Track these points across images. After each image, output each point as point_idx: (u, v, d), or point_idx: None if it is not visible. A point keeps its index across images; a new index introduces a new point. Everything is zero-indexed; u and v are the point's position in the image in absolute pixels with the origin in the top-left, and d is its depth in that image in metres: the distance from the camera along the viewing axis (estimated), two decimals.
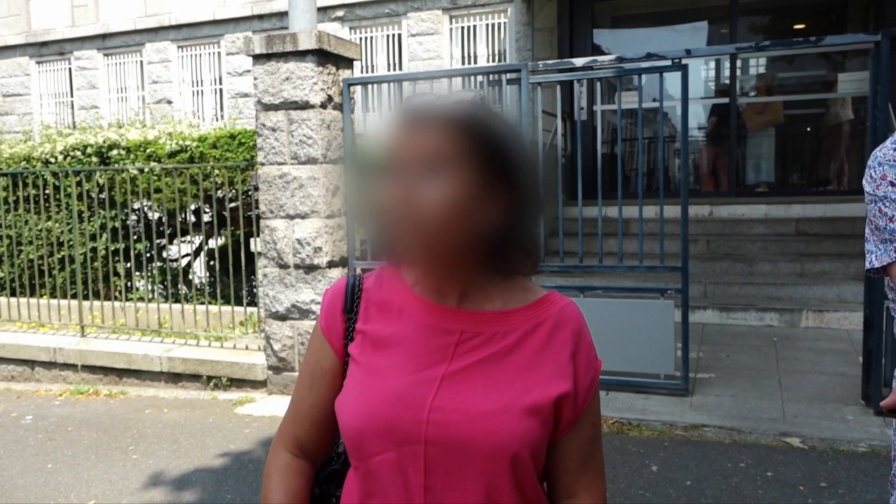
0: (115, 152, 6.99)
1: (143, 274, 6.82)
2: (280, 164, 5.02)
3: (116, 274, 6.83)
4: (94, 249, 6.74)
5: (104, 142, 7.06)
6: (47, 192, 6.88)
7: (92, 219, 6.79)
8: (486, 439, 0.98)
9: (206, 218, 6.75)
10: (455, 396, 1.00)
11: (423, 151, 0.96)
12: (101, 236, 6.78)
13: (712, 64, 9.06)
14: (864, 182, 1.53)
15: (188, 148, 6.68)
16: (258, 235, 5.34)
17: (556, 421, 1.04)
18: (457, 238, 0.98)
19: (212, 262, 7.68)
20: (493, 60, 9.90)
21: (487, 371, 1.02)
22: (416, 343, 1.05)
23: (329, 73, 4.98)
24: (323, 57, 4.91)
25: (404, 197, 0.95)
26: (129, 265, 6.89)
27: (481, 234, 0.99)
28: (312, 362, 1.14)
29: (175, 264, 7.14)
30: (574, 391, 1.04)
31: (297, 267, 5.07)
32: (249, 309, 6.15)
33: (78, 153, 7.14)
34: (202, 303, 6.60)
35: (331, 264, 5.04)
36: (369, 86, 5.25)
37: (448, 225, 0.96)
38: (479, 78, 5.36)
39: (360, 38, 10.57)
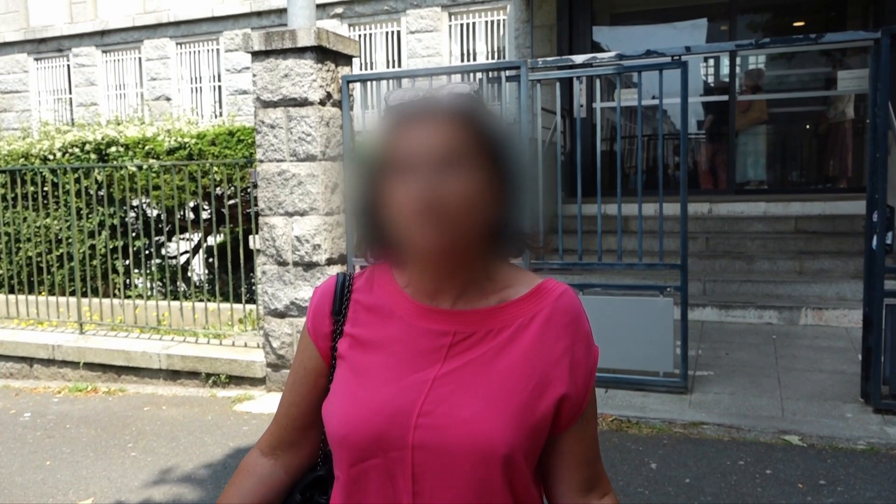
0: (113, 149, 6.98)
1: (142, 271, 6.81)
2: (279, 161, 5.01)
3: (115, 271, 6.82)
4: (92, 247, 6.73)
5: (103, 139, 7.05)
6: (46, 189, 6.86)
7: (90, 216, 6.79)
8: (474, 443, 0.95)
9: (204, 215, 6.74)
10: (445, 400, 0.98)
11: (439, 145, 0.94)
12: (99, 233, 6.78)
13: (712, 61, 9.06)
14: None
15: (187, 145, 6.68)
16: (257, 233, 5.34)
17: (555, 416, 1.01)
18: (472, 231, 0.96)
19: (211, 260, 7.67)
20: (493, 58, 9.89)
21: (479, 371, 0.99)
22: (407, 347, 1.02)
23: (328, 70, 4.97)
24: (322, 54, 4.90)
25: (425, 192, 0.92)
26: (127, 262, 6.89)
27: (488, 224, 0.99)
28: (297, 362, 1.12)
29: (174, 261, 7.13)
30: (572, 385, 1.01)
31: (295, 264, 5.06)
32: (248, 306, 6.15)
33: (76, 150, 7.13)
34: (201, 300, 6.59)
35: (330, 261, 5.03)
36: (368, 83, 5.23)
37: (469, 218, 0.95)
38: (479, 75, 5.35)
39: (359, 35, 10.56)
